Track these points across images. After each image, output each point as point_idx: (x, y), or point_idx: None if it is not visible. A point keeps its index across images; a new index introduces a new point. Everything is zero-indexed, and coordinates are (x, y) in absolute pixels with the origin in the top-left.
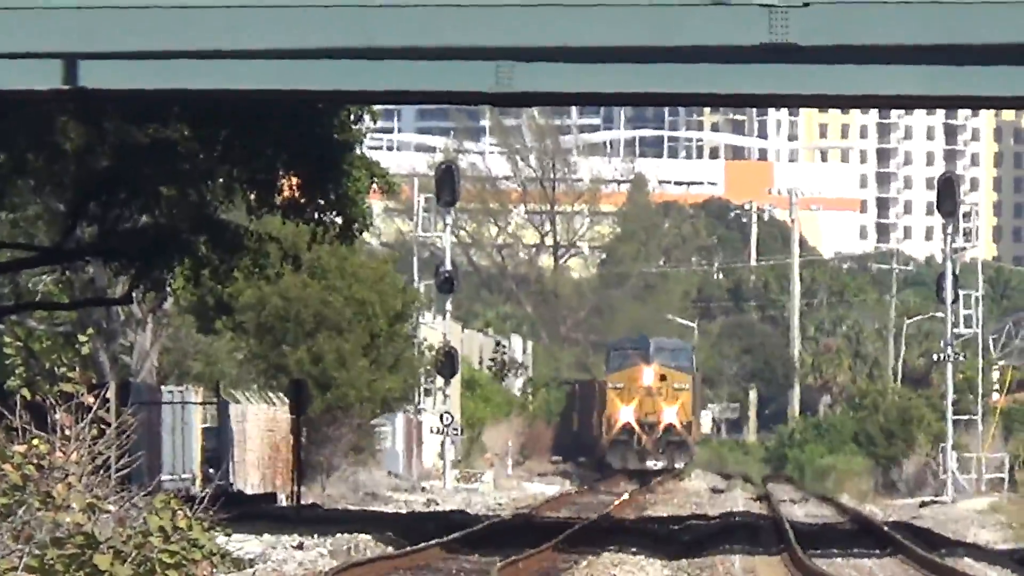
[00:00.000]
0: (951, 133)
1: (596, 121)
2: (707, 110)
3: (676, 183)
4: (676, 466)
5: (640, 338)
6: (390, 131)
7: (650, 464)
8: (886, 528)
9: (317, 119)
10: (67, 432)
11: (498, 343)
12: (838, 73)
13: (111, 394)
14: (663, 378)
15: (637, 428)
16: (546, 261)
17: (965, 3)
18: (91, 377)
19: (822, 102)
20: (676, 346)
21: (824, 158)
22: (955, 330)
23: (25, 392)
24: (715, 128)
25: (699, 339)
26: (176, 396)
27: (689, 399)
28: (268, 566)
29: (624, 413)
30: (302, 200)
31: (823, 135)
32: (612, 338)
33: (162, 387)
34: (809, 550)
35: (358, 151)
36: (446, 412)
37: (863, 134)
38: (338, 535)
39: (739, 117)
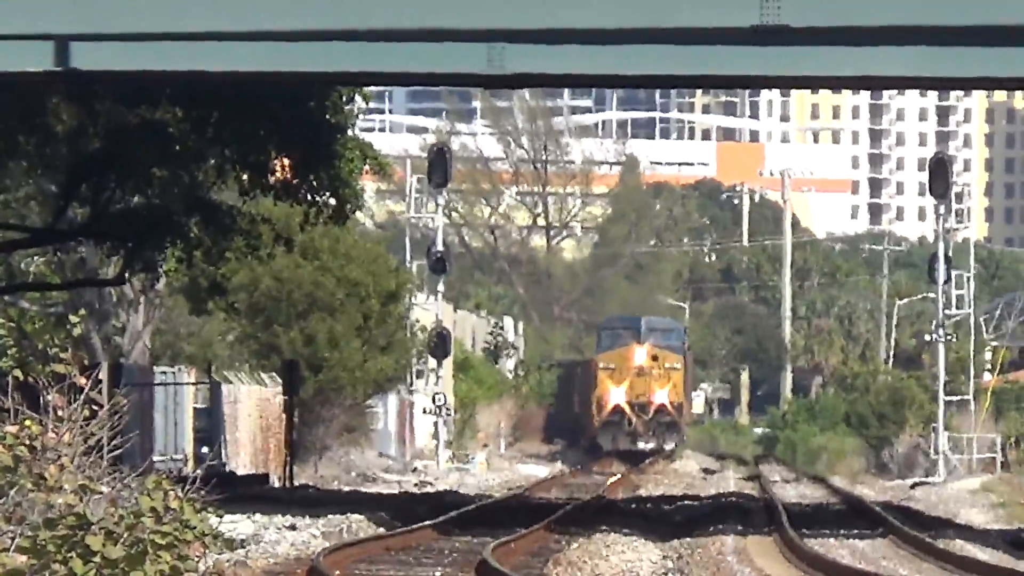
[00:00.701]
0: (943, 114)
1: (588, 103)
2: (699, 92)
3: (668, 164)
4: (667, 447)
5: (631, 317)
6: (382, 112)
7: (641, 445)
8: (877, 508)
9: (309, 100)
10: (59, 413)
11: (495, 324)
12: (830, 54)
13: (103, 375)
14: (654, 358)
15: (628, 409)
16: (538, 242)
17: None
18: (83, 358)
19: (814, 83)
20: (668, 326)
21: (816, 139)
22: (947, 311)
23: (17, 373)
24: (706, 110)
25: (691, 320)
26: (168, 377)
27: (681, 379)
28: (261, 547)
29: (615, 394)
30: (294, 181)
31: (815, 116)
32: (604, 319)
33: (154, 368)
34: (801, 530)
35: (350, 132)
36: (438, 393)
37: (855, 115)
38: (331, 516)
39: (731, 99)
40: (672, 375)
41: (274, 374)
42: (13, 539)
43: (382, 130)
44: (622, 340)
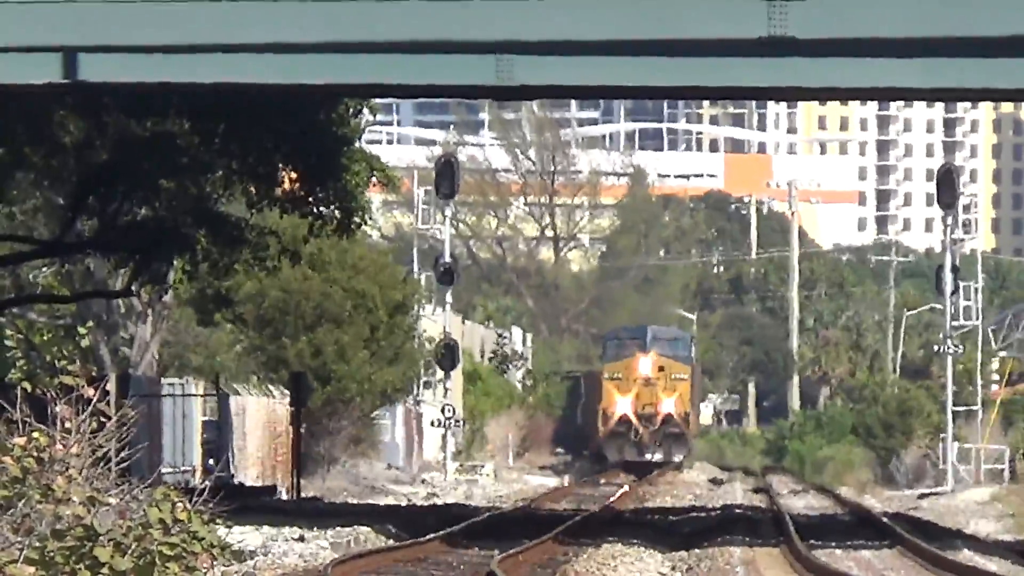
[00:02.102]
0: (950, 125)
1: (595, 114)
2: (706, 103)
3: (676, 176)
4: (674, 459)
5: (638, 327)
6: (389, 124)
7: (647, 456)
8: (885, 519)
9: (316, 113)
10: (67, 425)
11: (500, 335)
12: (837, 66)
13: (111, 386)
14: (661, 368)
15: (634, 420)
16: (546, 253)
17: None
18: (91, 370)
19: (821, 95)
20: (675, 335)
21: (823, 150)
22: (954, 322)
23: (25, 385)
24: (714, 121)
25: (699, 331)
26: (176, 388)
27: (688, 390)
28: (268, 558)
29: (621, 404)
30: (302, 193)
31: (822, 127)
32: (610, 329)
33: (162, 379)
34: (808, 541)
35: (357, 145)
36: (447, 404)
37: (862, 126)
38: (338, 527)
39: (738, 110)
40: (679, 385)
41: (282, 386)
42: (21, 550)
43: (389, 142)
44: (628, 350)
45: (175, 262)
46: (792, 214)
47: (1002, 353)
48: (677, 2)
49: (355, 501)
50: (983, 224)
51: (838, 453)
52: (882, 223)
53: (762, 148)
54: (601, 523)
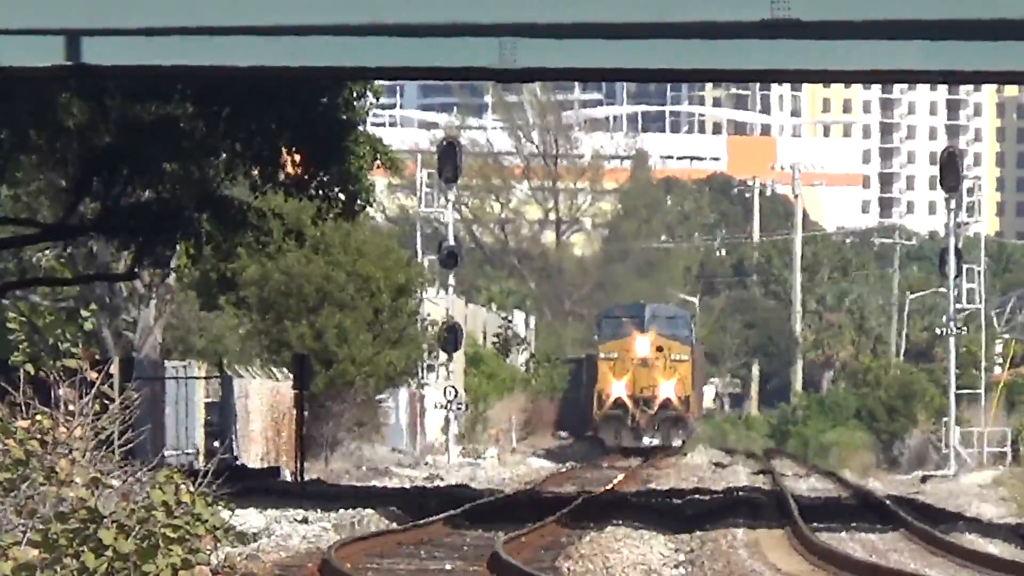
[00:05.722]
0: (954, 108)
1: (598, 97)
2: (709, 85)
3: (679, 159)
4: (673, 443)
5: (635, 305)
6: (392, 107)
7: (645, 441)
8: (888, 503)
9: (320, 96)
10: (70, 407)
11: (503, 318)
12: (840, 48)
13: (114, 369)
14: (660, 349)
15: (630, 403)
16: (549, 237)
17: None
18: (94, 353)
19: (824, 77)
20: (674, 313)
21: (827, 133)
22: (958, 305)
23: (28, 367)
24: (717, 103)
25: (702, 314)
26: (179, 371)
27: (688, 372)
28: (272, 541)
29: (616, 387)
30: (305, 177)
31: (826, 110)
32: (605, 307)
33: (165, 362)
34: (812, 524)
35: (361, 128)
36: (450, 387)
37: (866, 109)
38: (342, 510)
39: (742, 92)
40: (679, 367)
41: (285, 368)
42: (25, 533)
43: (392, 124)
44: (624, 329)
45: (178, 245)
46: (795, 197)
47: (1005, 336)
48: None
49: (358, 484)
50: (986, 207)
51: (841, 436)
52: (886, 206)
53: (765, 130)
54: (604, 506)
